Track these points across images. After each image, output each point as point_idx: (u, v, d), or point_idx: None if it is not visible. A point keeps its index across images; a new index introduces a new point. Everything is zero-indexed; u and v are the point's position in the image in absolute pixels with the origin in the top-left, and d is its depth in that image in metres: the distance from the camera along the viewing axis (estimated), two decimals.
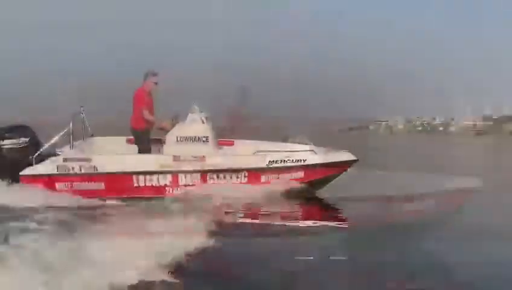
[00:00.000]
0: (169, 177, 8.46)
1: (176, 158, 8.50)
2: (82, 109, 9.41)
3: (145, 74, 9.03)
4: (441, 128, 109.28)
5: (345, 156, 9.23)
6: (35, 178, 8.18)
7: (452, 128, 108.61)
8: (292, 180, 8.80)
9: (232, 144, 9.80)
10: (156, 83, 9.06)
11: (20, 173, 8.17)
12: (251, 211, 8.03)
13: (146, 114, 8.87)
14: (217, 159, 8.68)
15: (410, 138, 41.62)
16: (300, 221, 8.10)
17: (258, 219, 7.86)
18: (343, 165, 9.19)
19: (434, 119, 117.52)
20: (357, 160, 9.25)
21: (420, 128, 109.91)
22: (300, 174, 8.84)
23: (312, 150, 9.24)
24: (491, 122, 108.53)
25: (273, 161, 8.72)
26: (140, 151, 9.00)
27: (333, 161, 9.10)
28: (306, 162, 8.84)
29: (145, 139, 9.06)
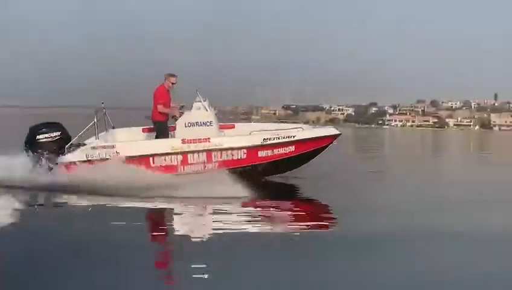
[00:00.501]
0: (180, 157, 9.99)
1: (184, 141, 10.00)
2: (103, 104, 10.91)
3: (165, 74, 10.59)
4: (243, 117, 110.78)
5: (330, 130, 10.72)
6: (69, 164, 9.77)
7: (254, 117, 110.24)
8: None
9: (233, 127, 11.32)
10: (173, 84, 10.59)
11: (56, 161, 9.78)
12: None
13: (160, 108, 10.40)
14: (220, 139, 10.20)
15: None
16: None
17: None
18: (329, 139, 10.65)
19: (237, 107, 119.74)
20: (341, 134, 10.72)
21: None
22: (292, 148, 10.31)
23: (301, 128, 10.75)
24: (291, 112, 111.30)
25: (267, 138, 10.19)
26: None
27: (320, 135, 10.58)
28: (296, 138, 10.30)
29: (164, 129, 10.59)
